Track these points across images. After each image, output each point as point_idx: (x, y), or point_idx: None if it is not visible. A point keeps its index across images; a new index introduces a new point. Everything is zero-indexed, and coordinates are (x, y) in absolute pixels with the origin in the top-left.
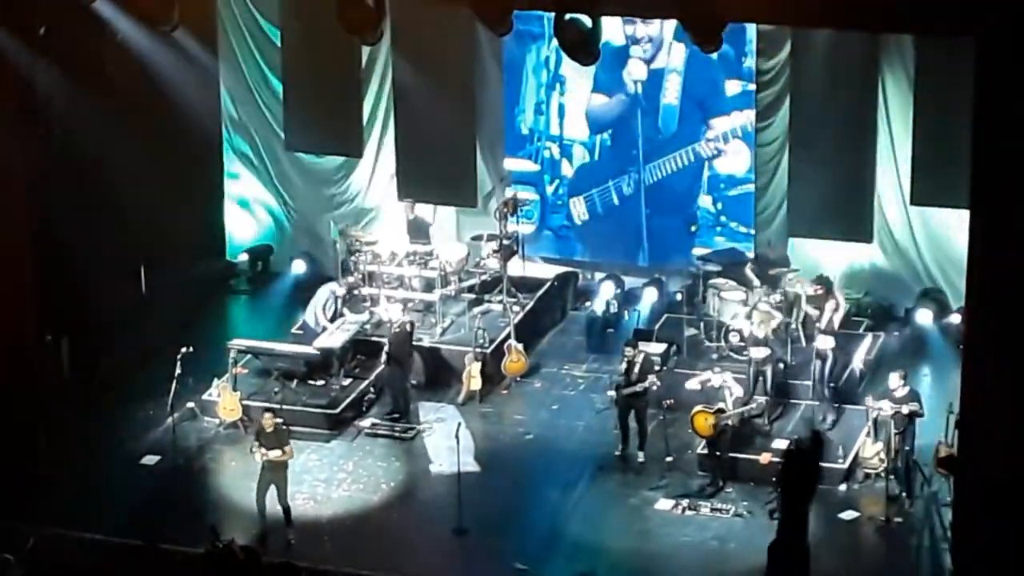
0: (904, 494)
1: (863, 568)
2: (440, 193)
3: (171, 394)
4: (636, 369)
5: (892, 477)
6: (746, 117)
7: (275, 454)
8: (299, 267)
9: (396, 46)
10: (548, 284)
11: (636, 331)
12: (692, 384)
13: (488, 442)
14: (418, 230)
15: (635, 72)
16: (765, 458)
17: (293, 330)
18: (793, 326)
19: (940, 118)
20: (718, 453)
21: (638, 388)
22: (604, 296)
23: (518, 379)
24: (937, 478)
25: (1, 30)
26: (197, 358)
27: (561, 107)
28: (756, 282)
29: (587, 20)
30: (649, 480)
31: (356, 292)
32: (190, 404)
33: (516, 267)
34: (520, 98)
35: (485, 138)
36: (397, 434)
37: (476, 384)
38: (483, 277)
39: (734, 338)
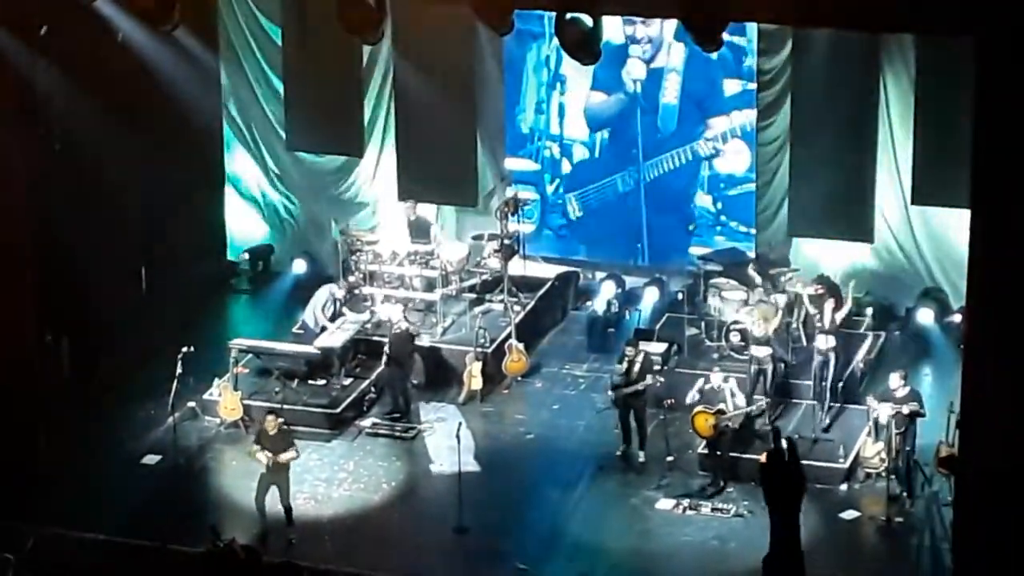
0: (905, 494)
1: (864, 568)
2: (441, 193)
3: (172, 394)
4: (636, 368)
5: (893, 477)
6: (745, 116)
7: (287, 456)
8: (300, 267)
9: (397, 46)
10: (549, 284)
11: (637, 331)
12: (692, 396)
13: (489, 442)
14: (419, 230)
15: (634, 71)
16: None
17: (293, 330)
18: (794, 326)
19: (941, 118)
20: (719, 453)
21: (639, 387)
22: (605, 296)
23: (519, 379)
24: (938, 478)
25: (1, 30)
26: (198, 358)
27: (561, 106)
28: (758, 281)
29: (588, 20)
30: (650, 480)
31: (357, 292)
32: (191, 404)
33: (517, 267)
34: (521, 97)
35: (485, 137)
36: (398, 434)
37: (477, 384)
38: (484, 277)
39: (735, 338)
